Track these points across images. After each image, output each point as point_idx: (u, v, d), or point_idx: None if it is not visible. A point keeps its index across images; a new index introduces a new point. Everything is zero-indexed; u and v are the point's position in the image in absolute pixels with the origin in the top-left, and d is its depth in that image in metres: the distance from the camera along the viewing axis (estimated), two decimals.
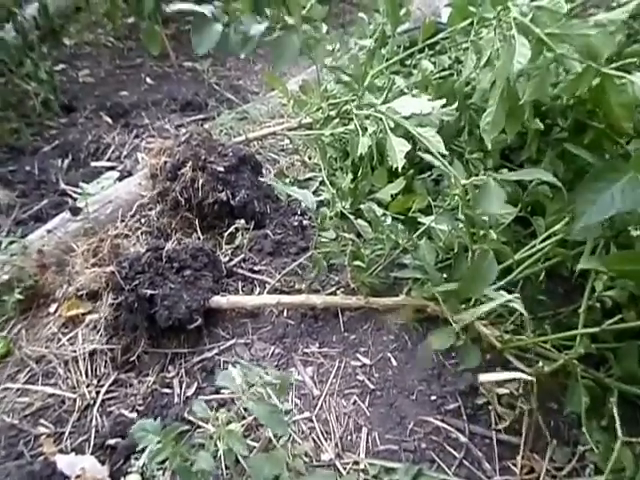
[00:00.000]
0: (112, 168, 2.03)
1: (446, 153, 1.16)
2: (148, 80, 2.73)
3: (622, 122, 1.05)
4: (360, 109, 1.53)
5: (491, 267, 1.05)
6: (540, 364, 1.05)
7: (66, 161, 2.11)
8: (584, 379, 1.07)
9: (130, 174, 1.89)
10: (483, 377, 1.04)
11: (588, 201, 0.97)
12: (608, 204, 0.95)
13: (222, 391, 1.22)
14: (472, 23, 1.40)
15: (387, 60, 1.65)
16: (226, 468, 1.02)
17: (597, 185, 0.98)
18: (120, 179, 1.87)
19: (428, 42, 1.65)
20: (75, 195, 1.84)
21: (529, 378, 0.98)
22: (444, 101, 1.40)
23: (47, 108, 2.33)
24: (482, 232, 1.12)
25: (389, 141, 1.35)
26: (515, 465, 1.08)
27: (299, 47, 1.56)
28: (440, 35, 1.64)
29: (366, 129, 1.49)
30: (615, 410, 0.97)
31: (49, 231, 1.55)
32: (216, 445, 0.95)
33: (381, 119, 1.41)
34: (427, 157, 1.18)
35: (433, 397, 1.20)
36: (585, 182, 1.00)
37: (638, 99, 0.96)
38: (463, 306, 1.22)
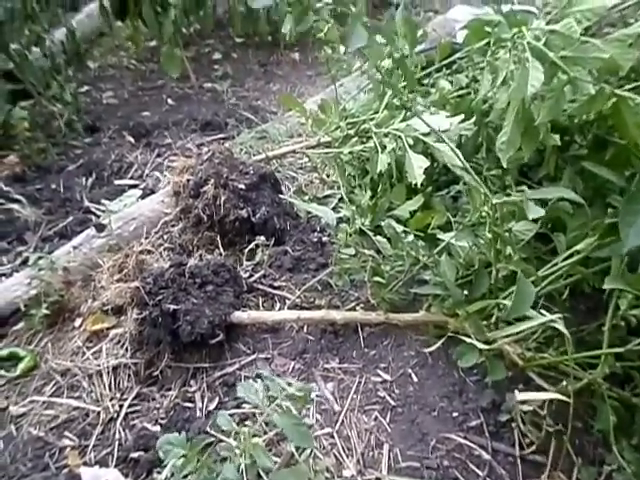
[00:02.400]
0: (135, 186, 2.09)
1: (467, 166, 1.17)
2: (169, 101, 2.81)
3: (639, 141, 1.06)
4: (379, 127, 1.56)
5: (530, 290, 1.05)
6: (564, 383, 1.03)
7: (90, 179, 2.17)
8: (610, 398, 1.06)
9: (152, 192, 1.93)
10: (519, 396, 1.02)
11: (629, 223, 0.98)
12: None
13: (244, 405, 1.23)
14: (488, 43, 1.42)
15: (405, 79, 1.68)
16: None
17: (634, 207, 0.99)
18: (142, 197, 1.92)
19: (445, 62, 1.68)
20: (99, 212, 1.89)
21: (564, 399, 0.97)
22: (462, 117, 1.42)
23: (72, 128, 2.41)
24: (508, 250, 1.12)
25: (408, 158, 1.37)
26: None
27: (366, 34, 1.53)
28: (457, 55, 1.67)
29: (385, 147, 1.51)
30: None
31: (75, 247, 1.59)
32: (241, 458, 0.97)
33: (400, 137, 1.43)
34: (458, 171, 1.19)
35: (455, 414, 1.19)
36: (623, 204, 1.01)
37: None
38: (485, 322, 1.22)
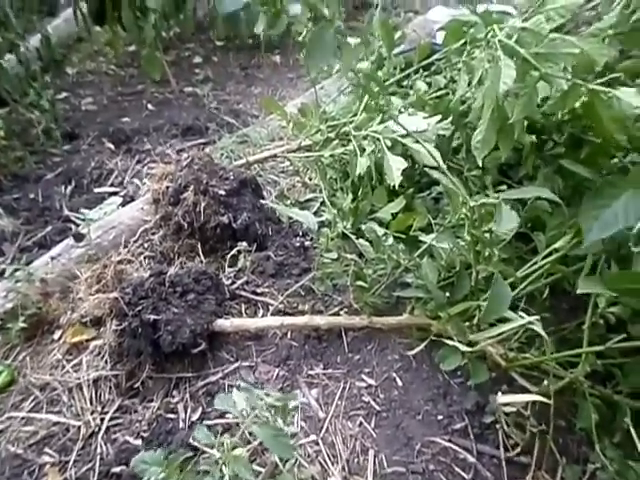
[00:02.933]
0: (115, 194, 2.06)
1: (444, 167, 1.17)
2: (149, 106, 2.78)
3: (615, 135, 1.06)
4: (358, 130, 1.55)
5: (505, 291, 1.05)
6: (546, 382, 1.04)
7: (69, 188, 2.13)
8: (591, 396, 1.07)
9: (133, 199, 1.91)
10: (501, 399, 1.02)
11: (591, 218, 0.98)
12: (612, 220, 0.96)
13: (227, 415, 1.21)
14: (465, 44, 1.43)
15: (384, 81, 1.68)
16: None
17: (598, 202, 0.99)
18: (123, 204, 1.89)
19: (424, 63, 1.68)
20: (78, 221, 1.86)
21: (546, 401, 0.97)
22: (439, 117, 1.42)
23: (49, 136, 2.37)
24: (487, 252, 1.12)
25: (386, 159, 1.37)
26: None
27: (334, 46, 1.42)
28: (435, 56, 1.67)
29: (364, 149, 1.51)
30: (631, 426, 0.95)
31: (53, 258, 1.56)
32: (222, 471, 0.95)
33: (378, 139, 1.43)
34: (435, 174, 1.19)
35: (440, 417, 1.19)
36: (587, 199, 1.01)
37: (625, 114, 0.97)
38: (467, 323, 1.22)
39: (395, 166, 1.34)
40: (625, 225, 0.94)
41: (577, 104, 1.26)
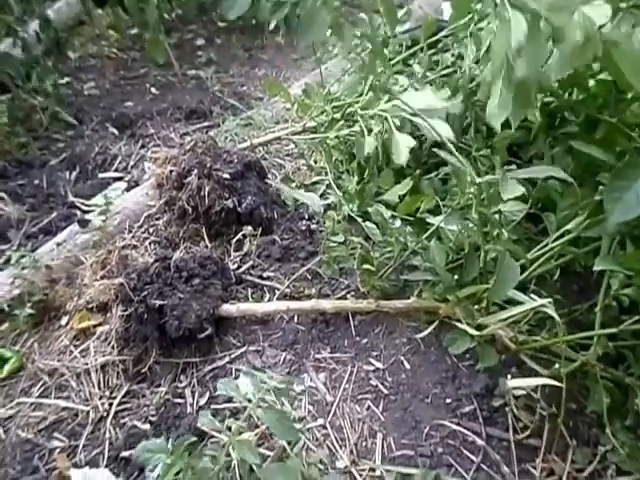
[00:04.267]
0: (120, 179, 2.04)
1: (455, 141, 1.13)
2: (153, 90, 2.75)
3: (636, 85, 1.00)
4: (364, 110, 1.52)
5: (514, 270, 1.03)
6: (557, 365, 1.02)
7: (74, 173, 2.12)
8: (603, 379, 1.05)
9: (137, 184, 1.89)
10: (511, 383, 1.01)
11: (614, 199, 0.95)
12: (634, 202, 0.93)
13: (234, 399, 1.21)
14: (472, 18, 1.38)
15: (390, 60, 1.64)
16: (240, 478, 1.01)
17: (619, 183, 0.96)
18: (128, 189, 1.88)
19: (430, 40, 1.64)
20: (83, 207, 1.85)
21: (557, 384, 0.95)
22: (448, 93, 1.38)
23: (54, 121, 2.35)
24: (495, 232, 1.10)
25: (393, 138, 1.33)
26: (535, 468, 1.06)
27: (329, 23, 1.38)
28: (442, 33, 1.63)
29: (371, 130, 1.48)
30: None
31: (58, 244, 1.56)
32: (229, 455, 0.95)
33: (386, 118, 1.39)
34: (442, 153, 1.16)
35: (448, 400, 1.18)
36: (608, 181, 0.98)
37: None
38: (476, 307, 1.20)
39: (403, 144, 1.31)
40: None
41: (591, 83, 1.22)
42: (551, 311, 0.94)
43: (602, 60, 1.01)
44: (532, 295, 1.00)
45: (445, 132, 1.09)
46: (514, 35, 0.92)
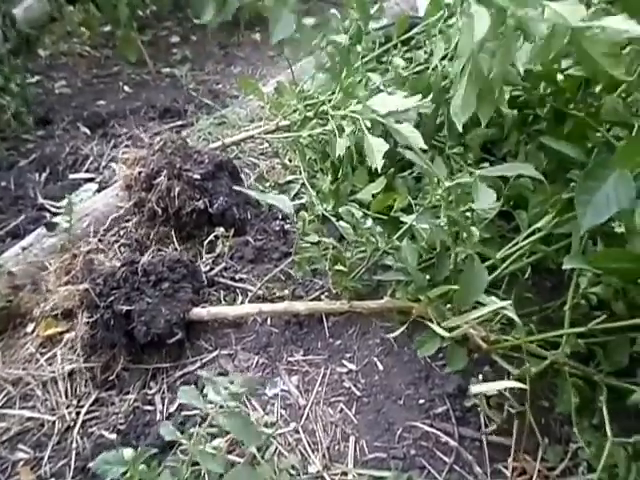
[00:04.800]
0: (91, 180, 2.00)
1: (426, 148, 1.12)
2: (126, 88, 2.69)
3: (612, 71, 0.99)
4: (337, 109, 1.50)
5: (481, 275, 1.02)
6: (527, 365, 1.01)
7: (44, 175, 2.07)
8: (573, 376, 1.05)
9: (108, 185, 1.85)
10: (474, 388, 1.00)
11: (584, 202, 0.94)
12: (604, 203, 0.92)
13: (207, 405, 1.19)
14: (443, 14, 1.37)
15: (362, 57, 1.62)
16: None
17: (589, 184, 0.95)
18: (99, 190, 1.84)
19: (403, 37, 1.63)
20: (53, 209, 1.80)
21: (522, 386, 0.95)
22: (419, 97, 1.36)
23: (20, 122, 2.29)
24: (464, 233, 1.09)
25: (367, 142, 1.32)
26: (506, 467, 1.05)
27: (293, 21, 1.40)
28: (415, 29, 1.62)
29: (343, 130, 1.46)
30: (605, 408, 0.94)
31: (24, 248, 1.51)
32: (196, 464, 0.93)
33: (358, 119, 1.37)
34: (410, 155, 1.15)
35: (421, 401, 1.17)
36: (579, 181, 0.97)
37: (615, 41, 0.90)
38: (448, 306, 1.19)
39: (377, 148, 1.29)
40: (618, 208, 0.90)
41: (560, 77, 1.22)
42: (512, 313, 0.94)
43: (569, 49, 0.99)
44: (500, 294, 0.99)
45: (413, 137, 1.07)
46: (477, 30, 0.90)
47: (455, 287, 1.11)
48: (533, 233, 1.17)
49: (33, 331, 1.38)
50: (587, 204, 0.94)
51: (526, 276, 1.27)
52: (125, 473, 0.78)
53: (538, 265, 1.28)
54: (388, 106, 1.29)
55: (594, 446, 0.95)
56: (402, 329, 1.23)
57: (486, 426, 1.11)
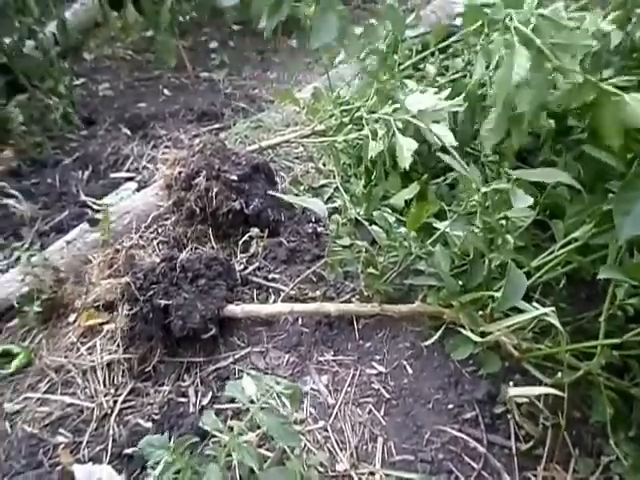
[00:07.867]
0: (131, 179, 2.07)
1: (455, 144, 1.13)
2: (166, 91, 2.78)
3: (611, 140, 1.02)
4: (371, 113, 1.52)
5: (521, 281, 1.02)
6: (559, 375, 1.01)
7: (86, 173, 2.16)
8: (608, 388, 1.04)
9: (147, 184, 1.91)
10: (511, 391, 1.00)
11: (623, 212, 0.93)
12: None
13: (237, 400, 1.22)
14: (483, 25, 1.38)
15: (399, 64, 1.64)
16: (240, 479, 1.01)
17: (629, 194, 0.94)
18: (138, 190, 1.91)
19: (440, 45, 1.64)
20: (95, 206, 1.88)
21: (559, 393, 0.94)
22: (447, 93, 1.37)
23: (67, 122, 2.39)
24: (500, 240, 1.09)
25: (397, 141, 1.33)
26: (536, 476, 1.05)
27: (337, 27, 1.41)
28: (452, 38, 1.63)
29: (377, 133, 1.48)
30: None
31: (68, 242, 1.58)
32: (229, 456, 0.96)
33: (390, 121, 1.39)
34: (447, 159, 1.15)
35: (450, 406, 1.17)
36: (618, 192, 0.97)
37: (629, 120, 0.93)
38: (480, 313, 1.19)
39: (405, 147, 1.30)
40: None
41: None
42: (554, 320, 0.93)
43: (592, 104, 1.03)
44: (535, 304, 0.99)
45: (446, 136, 1.09)
46: (516, 69, 0.93)
47: (490, 293, 1.11)
48: (569, 243, 1.16)
49: (75, 321, 1.44)
50: (626, 215, 0.93)
51: (560, 286, 1.26)
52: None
53: (573, 275, 1.27)
54: (422, 104, 1.31)
55: (631, 458, 0.93)
56: (436, 335, 1.23)
57: (516, 434, 1.10)
